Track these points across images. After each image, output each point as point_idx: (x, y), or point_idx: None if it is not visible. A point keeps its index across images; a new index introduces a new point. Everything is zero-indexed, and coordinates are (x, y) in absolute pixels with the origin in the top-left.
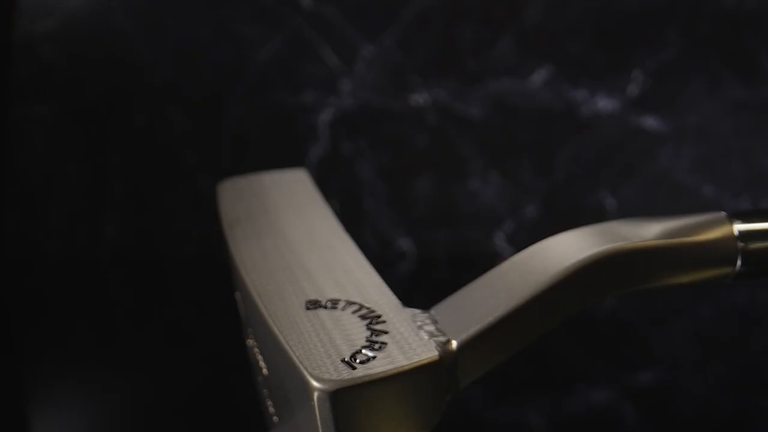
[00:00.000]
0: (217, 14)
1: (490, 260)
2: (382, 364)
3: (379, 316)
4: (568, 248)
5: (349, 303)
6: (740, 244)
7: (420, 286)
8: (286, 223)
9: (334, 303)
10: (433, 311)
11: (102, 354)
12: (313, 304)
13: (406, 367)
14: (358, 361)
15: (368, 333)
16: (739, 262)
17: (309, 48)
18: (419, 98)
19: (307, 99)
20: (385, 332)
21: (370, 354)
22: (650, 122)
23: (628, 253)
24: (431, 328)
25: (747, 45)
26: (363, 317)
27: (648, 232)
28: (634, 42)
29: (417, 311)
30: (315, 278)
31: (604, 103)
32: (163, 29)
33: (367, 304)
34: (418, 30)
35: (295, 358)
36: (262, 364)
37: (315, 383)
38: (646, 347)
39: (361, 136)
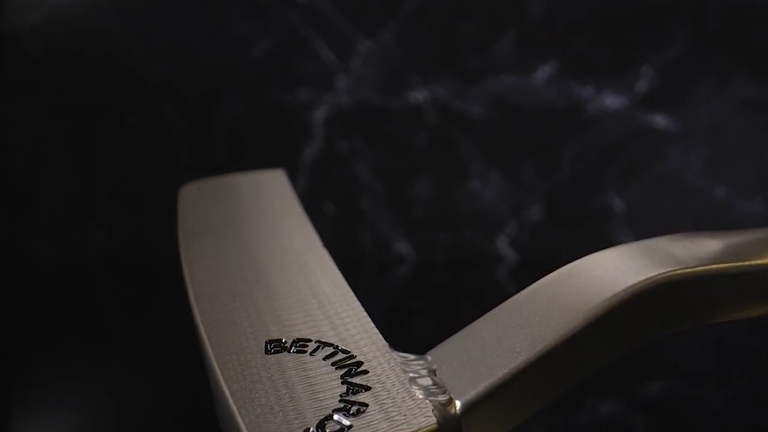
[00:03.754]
0: (210, 10)
1: (491, 264)
2: None
3: (359, 364)
4: (608, 275)
5: (322, 344)
6: None
7: (419, 292)
8: (253, 235)
9: (302, 345)
10: (430, 357)
11: (95, 357)
12: (275, 346)
13: None
14: (327, 431)
15: (344, 389)
16: None
17: (304, 44)
18: (418, 96)
19: (302, 96)
20: (367, 388)
21: (345, 422)
22: (659, 120)
23: (686, 281)
24: (427, 381)
25: (757, 41)
26: (338, 365)
27: (706, 251)
28: (641, 38)
29: (409, 357)
30: (280, 309)
31: (611, 101)
32: (155, 25)
33: (344, 347)
34: (417, 25)
35: (241, 425)
36: (219, 414)
37: None
38: (658, 356)
39: (358, 135)
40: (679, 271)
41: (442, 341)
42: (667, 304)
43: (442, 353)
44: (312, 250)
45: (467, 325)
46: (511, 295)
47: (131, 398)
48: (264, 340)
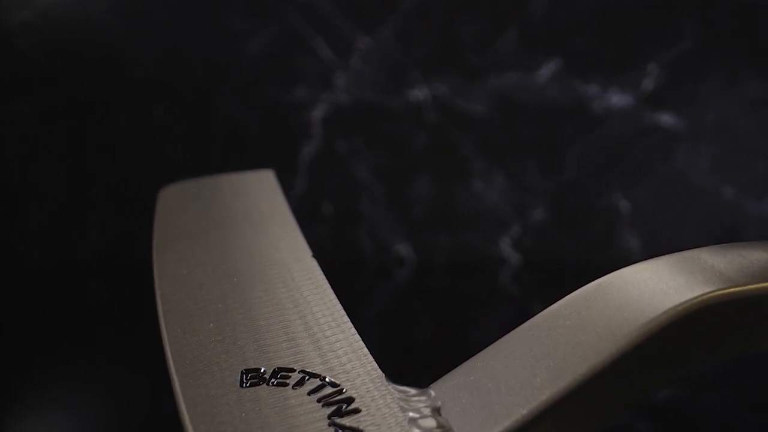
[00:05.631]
0: (209, 9)
1: (494, 266)
2: None
3: (349, 401)
4: (644, 295)
5: (306, 375)
6: None
7: (419, 295)
8: (234, 243)
9: (284, 376)
10: (433, 392)
11: (95, 357)
12: (252, 377)
13: None
14: None
15: (331, 431)
16: None
17: (302, 42)
18: (418, 94)
19: (299, 95)
20: (357, 431)
21: None
22: (666, 119)
23: (737, 302)
24: (431, 423)
25: (766, 38)
26: (325, 402)
27: (758, 266)
28: (648, 34)
29: (409, 391)
30: (260, 331)
31: (617, 99)
32: (153, 24)
33: (332, 378)
34: (418, 22)
35: None
36: None
37: None
38: None
39: (357, 134)
40: (727, 291)
41: (442, 345)
42: (714, 329)
43: (448, 387)
44: (299, 261)
45: (469, 326)
46: (513, 298)
47: (131, 398)
48: (240, 370)
